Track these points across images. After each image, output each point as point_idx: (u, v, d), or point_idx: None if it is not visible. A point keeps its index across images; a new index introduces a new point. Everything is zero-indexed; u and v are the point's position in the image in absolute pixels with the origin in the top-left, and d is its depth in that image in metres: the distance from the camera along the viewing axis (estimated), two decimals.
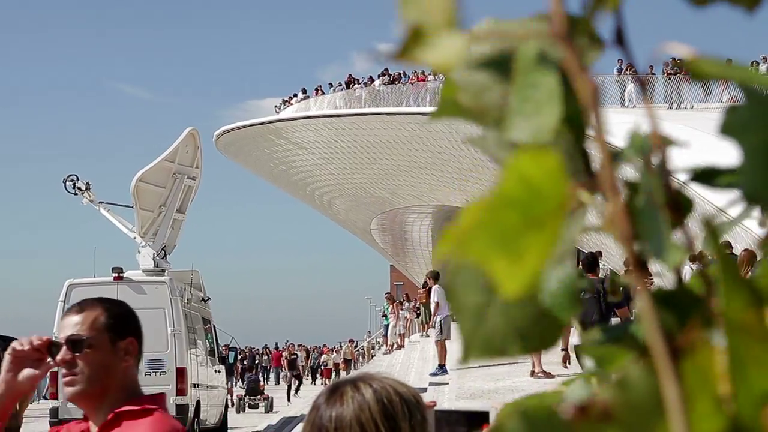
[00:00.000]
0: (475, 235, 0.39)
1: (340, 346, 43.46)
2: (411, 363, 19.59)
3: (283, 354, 35.28)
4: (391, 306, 28.37)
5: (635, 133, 0.44)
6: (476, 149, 0.46)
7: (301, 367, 34.35)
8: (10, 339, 7.56)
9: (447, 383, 13.62)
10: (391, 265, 65.09)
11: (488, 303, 0.44)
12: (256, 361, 35.80)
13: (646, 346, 0.45)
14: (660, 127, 0.42)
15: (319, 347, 47.08)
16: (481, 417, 2.74)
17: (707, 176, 0.44)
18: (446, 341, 14.82)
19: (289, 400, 29.66)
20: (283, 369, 34.24)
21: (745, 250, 10.37)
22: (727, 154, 0.44)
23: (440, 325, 14.88)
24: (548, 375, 12.08)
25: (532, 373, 12.38)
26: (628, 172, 0.45)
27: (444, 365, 14.87)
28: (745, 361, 0.39)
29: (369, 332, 50.77)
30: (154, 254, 15.37)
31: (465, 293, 0.45)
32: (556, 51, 0.40)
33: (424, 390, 13.08)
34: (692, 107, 30.64)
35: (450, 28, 0.41)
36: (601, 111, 0.38)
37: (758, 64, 29.91)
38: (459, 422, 2.91)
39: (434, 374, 14.82)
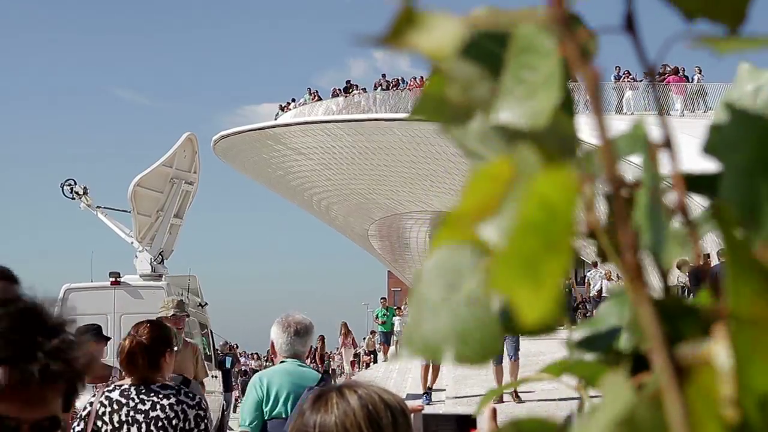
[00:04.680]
0: (502, 266, 0.38)
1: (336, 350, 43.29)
2: (408, 369, 19.56)
3: (315, 347, 34.95)
4: (342, 336, 28.14)
5: (639, 126, 0.43)
6: (452, 143, 0.44)
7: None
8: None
9: (444, 389, 13.57)
10: (388, 271, 65.02)
11: (446, 300, 0.43)
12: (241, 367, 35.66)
13: (634, 362, 0.44)
14: (669, 124, 0.42)
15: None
16: (470, 421, 2.72)
17: (692, 183, 0.43)
18: (431, 365, 13.05)
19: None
20: (315, 361, 34.09)
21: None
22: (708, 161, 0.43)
23: None
24: (518, 399, 11.94)
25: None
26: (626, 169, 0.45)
27: (429, 390, 13.41)
28: (752, 357, 0.38)
29: (364, 338, 50.76)
30: (151, 259, 15.34)
31: (430, 285, 0.44)
32: (556, 34, 0.38)
33: (419, 396, 13.04)
34: (683, 115, 30.64)
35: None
36: (602, 103, 0.38)
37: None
38: (448, 426, 2.90)
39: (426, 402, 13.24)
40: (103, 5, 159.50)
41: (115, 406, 3.94)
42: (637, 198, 0.42)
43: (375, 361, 27.90)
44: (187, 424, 3.93)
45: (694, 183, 0.43)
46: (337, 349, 30.35)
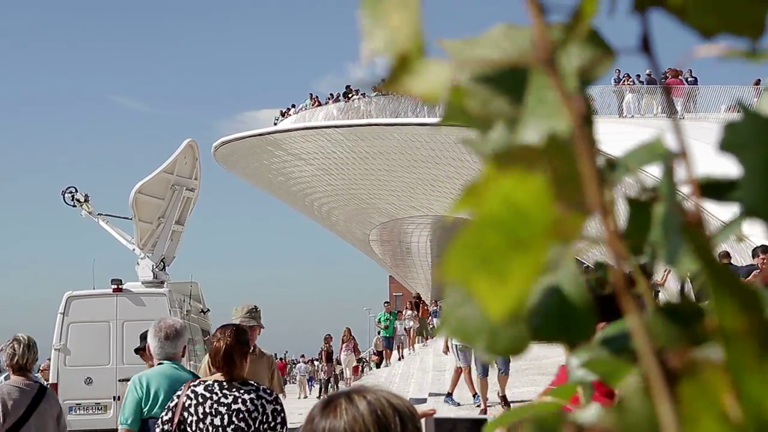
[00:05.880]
0: (457, 255, 0.39)
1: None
2: (410, 374, 19.54)
3: (322, 347, 34.47)
4: (342, 341, 28.04)
5: (657, 140, 0.43)
6: (471, 153, 0.46)
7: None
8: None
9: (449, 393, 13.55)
10: (390, 276, 64.96)
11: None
12: None
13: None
14: (684, 136, 0.42)
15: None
16: (480, 425, 2.73)
17: (710, 189, 0.44)
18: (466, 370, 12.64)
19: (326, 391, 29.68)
20: (322, 361, 33.60)
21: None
22: (720, 165, 0.44)
23: (457, 351, 12.67)
24: (507, 407, 11.54)
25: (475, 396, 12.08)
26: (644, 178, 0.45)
27: (452, 394, 13.23)
28: (743, 365, 0.39)
29: (367, 349, 50.62)
30: (153, 266, 15.36)
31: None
32: (573, 59, 0.40)
33: (424, 400, 13.03)
34: (683, 117, 30.58)
35: (418, 53, 0.41)
36: (589, 133, 0.39)
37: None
38: (463, 429, 2.92)
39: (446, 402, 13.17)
40: (101, 12, 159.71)
41: (200, 399, 4.34)
42: (654, 209, 0.43)
43: (378, 366, 27.73)
44: (264, 417, 4.35)
45: (709, 190, 0.44)
46: (338, 354, 30.32)
